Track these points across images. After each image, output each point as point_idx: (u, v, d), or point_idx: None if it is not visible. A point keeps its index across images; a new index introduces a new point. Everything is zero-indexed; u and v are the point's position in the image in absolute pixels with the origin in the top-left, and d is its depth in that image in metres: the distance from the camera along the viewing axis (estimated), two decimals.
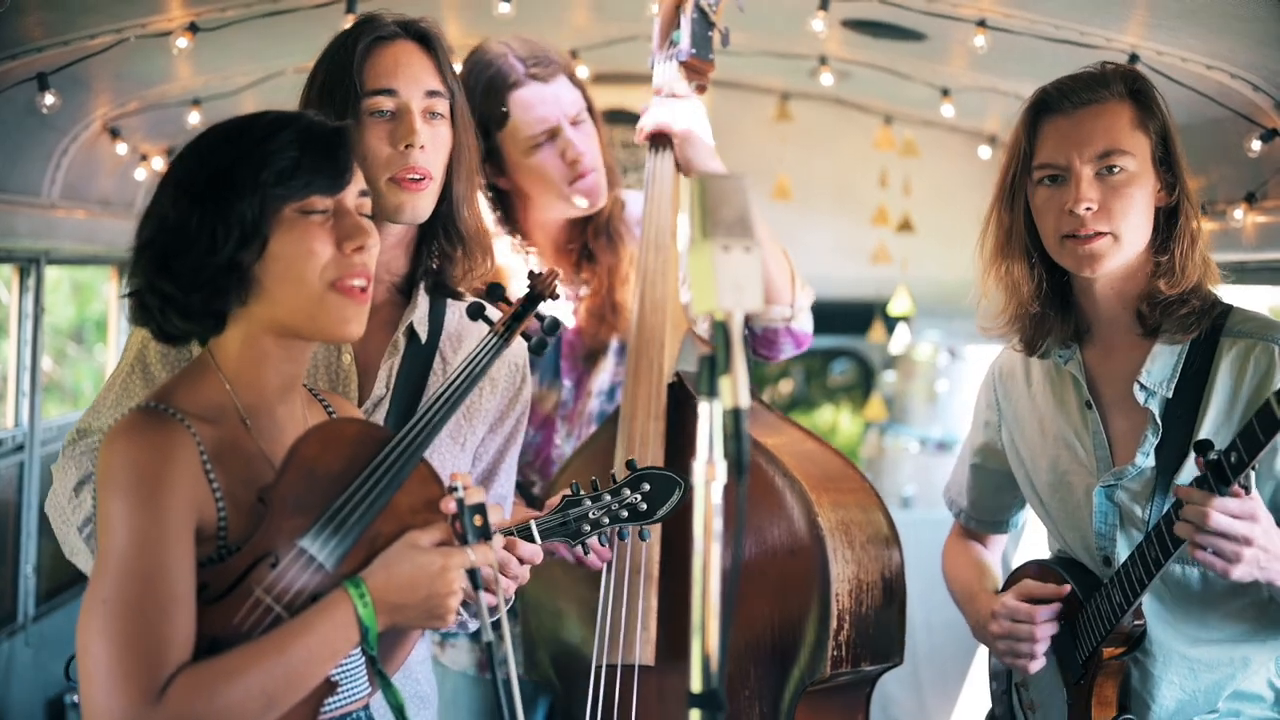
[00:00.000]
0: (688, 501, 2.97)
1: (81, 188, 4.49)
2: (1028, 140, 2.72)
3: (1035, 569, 2.91)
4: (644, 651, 2.98)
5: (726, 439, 1.89)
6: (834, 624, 2.88)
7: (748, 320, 3.29)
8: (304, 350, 2.14)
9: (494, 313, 2.38)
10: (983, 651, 5.58)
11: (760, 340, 3.31)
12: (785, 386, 9.73)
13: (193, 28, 3.68)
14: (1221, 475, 2.36)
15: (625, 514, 2.61)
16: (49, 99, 3.64)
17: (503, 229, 3.35)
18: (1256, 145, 3.45)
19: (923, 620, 5.36)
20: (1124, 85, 2.67)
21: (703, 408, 1.94)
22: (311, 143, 2.05)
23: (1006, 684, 3.04)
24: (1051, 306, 2.79)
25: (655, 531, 3.01)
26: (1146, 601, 2.68)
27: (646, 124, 3.23)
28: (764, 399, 3.35)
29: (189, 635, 1.91)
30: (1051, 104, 2.69)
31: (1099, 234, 2.62)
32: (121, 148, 4.52)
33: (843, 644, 2.89)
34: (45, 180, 4.24)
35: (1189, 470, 2.54)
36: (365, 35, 2.62)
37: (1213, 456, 2.37)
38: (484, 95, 3.25)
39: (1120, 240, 2.63)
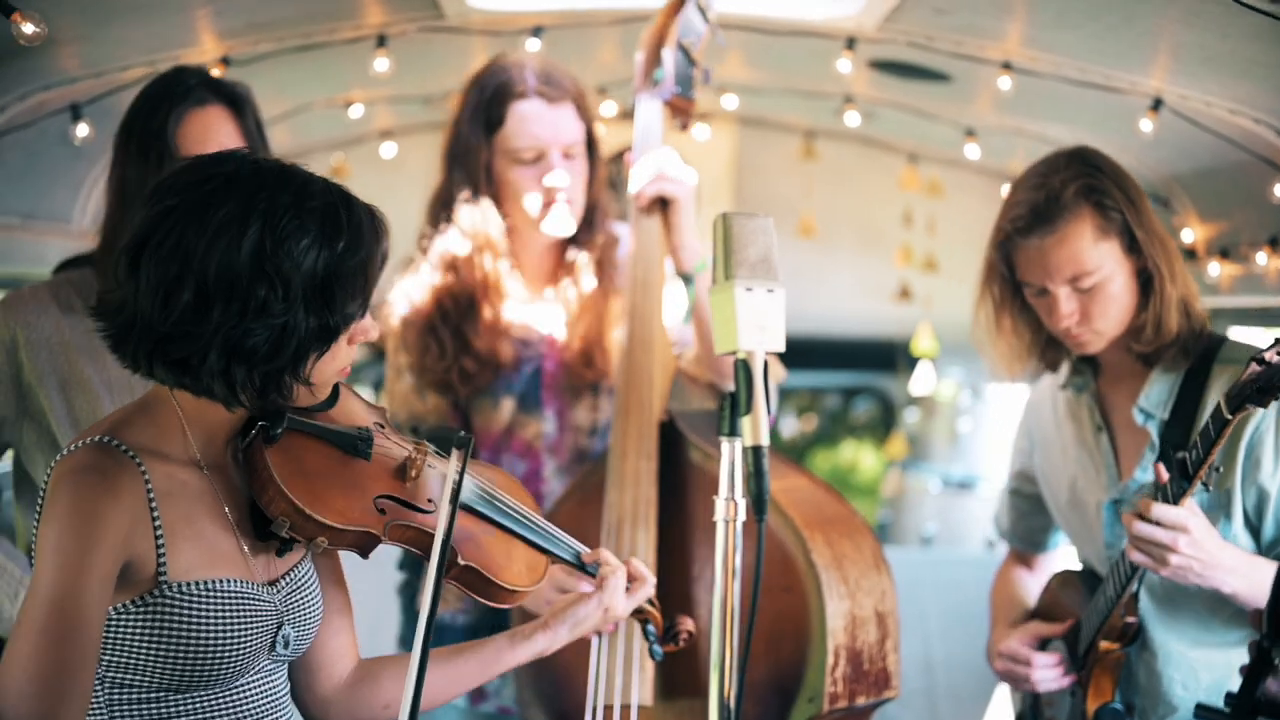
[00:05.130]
0: (693, 536, 3.00)
1: None
2: (1005, 264, 2.94)
3: (1060, 579, 3.19)
4: (642, 691, 2.95)
5: (747, 477, 1.91)
6: (830, 660, 2.87)
7: None
8: None
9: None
10: (1001, 688, 5.56)
11: None
12: (808, 424, 9.71)
13: (225, 61, 3.72)
14: (1185, 472, 2.57)
15: None
16: (82, 130, 3.67)
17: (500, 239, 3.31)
18: (1279, 190, 3.45)
19: (943, 657, 5.35)
20: (1080, 195, 2.84)
21: (724, 446, 1.96)
22: (375, 269, 2.10)
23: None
24: (1053, 342, 3.02)
25: (649, 570, 3.01)
26: (1150, 603, 2.89)
27: (647, 188, 3.19)
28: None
29: (91, 658, 1.94)
30: (1017, 238, 2.88)
31: (1085, 331, 2.88)
32: None
33: (839, 680, 2.88)
34: (75, 208, 4.27)
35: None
36: (178, 100, 2.81)
37: (1179, 456, 2.58)
38: (489, 99, 3.26)
39: (1105, 331, 2.88)
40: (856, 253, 5.99)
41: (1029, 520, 3.36)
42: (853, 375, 6.94)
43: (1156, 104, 3.65)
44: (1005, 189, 5.57)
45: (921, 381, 6.02)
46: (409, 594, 3.42)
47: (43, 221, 4.10)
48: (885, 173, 5.92)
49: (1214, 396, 2.81)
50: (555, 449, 3.33)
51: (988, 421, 5.83)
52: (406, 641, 3.43)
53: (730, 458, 1.95)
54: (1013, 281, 2.96)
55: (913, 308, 5.94)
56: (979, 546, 5.81)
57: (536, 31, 3.90)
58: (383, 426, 2.30)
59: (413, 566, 3.40)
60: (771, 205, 5.38)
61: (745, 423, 1.91)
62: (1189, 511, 2.60)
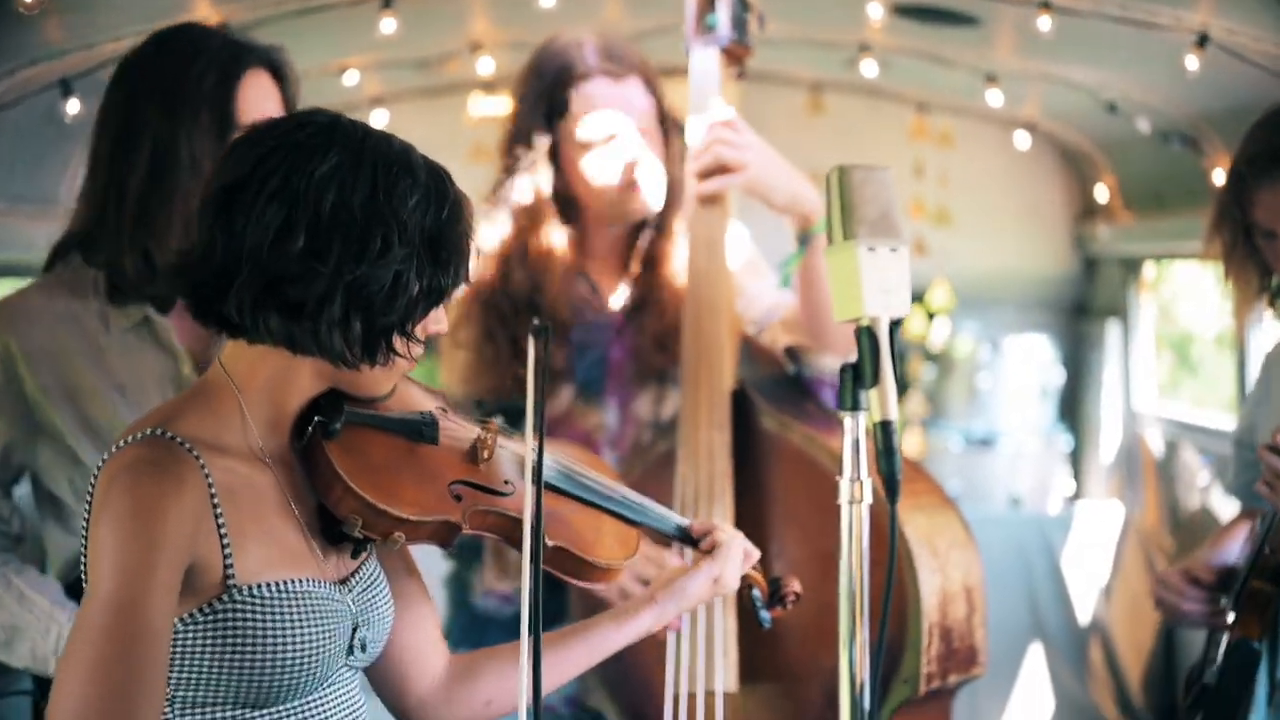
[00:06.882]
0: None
1: None
2: (1238, 204, 2.80)
3: (1243, 518, 3.10)
4: (726, 678, 2.80)
5: (875, 456, 1.75)
6: (925, 640, 2.72)
7: (798, 360, 3.13)
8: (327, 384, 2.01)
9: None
10: (1033, 652, 5.46)
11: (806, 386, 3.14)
12: None
13: (222, 28, 3.52)
14: None
15: None
16: (73, 106, 3.47)
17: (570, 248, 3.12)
18: None
19: None
20: None
21: (848, 422, 1.80)
22: (471, 245, 1.96)
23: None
24: None
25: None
26: None
27: (708, 176, 2.95)
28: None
29: (161, 672, 1.78)
30: (1251, 180, 2.74)
31: None
32: None
33: (933, 659, 2.74)
34: (62, 189, 4.08)
35: None
36: (231, 62, 2.62)
37: None
38: (550, 85, 3.06)
39: None
40: None
41: (1249, 473, 3.14)
42: None
43: (1202, 39, 3.52)
44: (1018, 135, 5.53)
45: (938, 337, 5.89)
46: (456, 585, 3.25)
47: (32, 205, 3.91)
48: (894, 125, 5.80)
49: None
50: (616, 442, 3.14)
51: (1007, 377, 5.71)
52: (454, 637, 3.26)
53: (854, 434, 1.78)
54: (1244, 224, 2.82)
55: (926, 261, 5.81)
56: (1002, 504, 5.71)
57: None
58: (445, 410, 2.15)
59: (460, 556, 3.22)
60: None
61: (871, 395, 1.74)
62: None
